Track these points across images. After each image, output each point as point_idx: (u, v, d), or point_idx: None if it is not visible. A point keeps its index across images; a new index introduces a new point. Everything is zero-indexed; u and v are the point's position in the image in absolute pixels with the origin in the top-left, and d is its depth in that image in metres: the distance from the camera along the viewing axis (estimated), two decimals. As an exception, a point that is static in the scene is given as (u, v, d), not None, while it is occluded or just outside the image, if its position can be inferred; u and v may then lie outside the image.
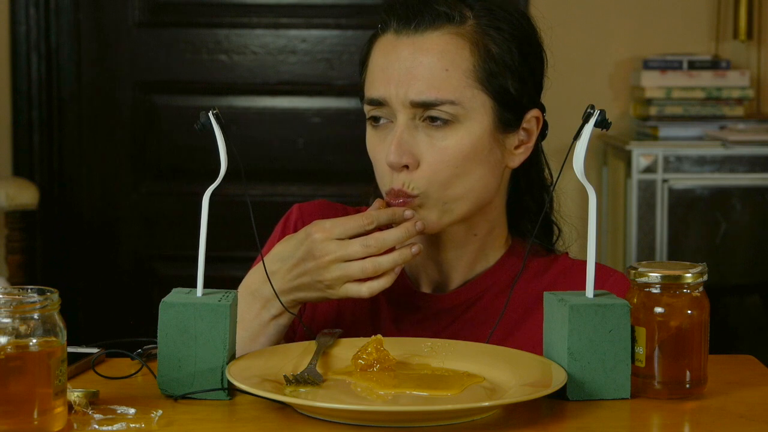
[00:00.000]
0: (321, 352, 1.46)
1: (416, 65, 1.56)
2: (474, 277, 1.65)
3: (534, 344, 1.52)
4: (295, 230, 1.71)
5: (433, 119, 1.56)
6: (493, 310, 1.62)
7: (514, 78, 1.58)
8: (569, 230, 1.77)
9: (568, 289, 1.55)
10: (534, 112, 1.62)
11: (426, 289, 1.67)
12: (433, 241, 1.64)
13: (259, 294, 1.57)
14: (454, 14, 1.57)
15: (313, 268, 1.52)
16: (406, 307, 1.65)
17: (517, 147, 1.62)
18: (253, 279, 1.59)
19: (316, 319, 1.68)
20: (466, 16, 1.58)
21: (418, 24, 1.57)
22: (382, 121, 1.59)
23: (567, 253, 1.71)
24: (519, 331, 1.60)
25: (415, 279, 1.68)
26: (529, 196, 1.68)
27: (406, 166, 1.56)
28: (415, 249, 1.53)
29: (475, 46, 1.57)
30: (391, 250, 1.53)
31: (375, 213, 1.55)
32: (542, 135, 1.67)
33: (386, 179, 1.59)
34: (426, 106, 1.55)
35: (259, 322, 1.56)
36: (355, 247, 1.51)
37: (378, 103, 1.58)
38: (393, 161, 1.56)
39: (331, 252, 1.51)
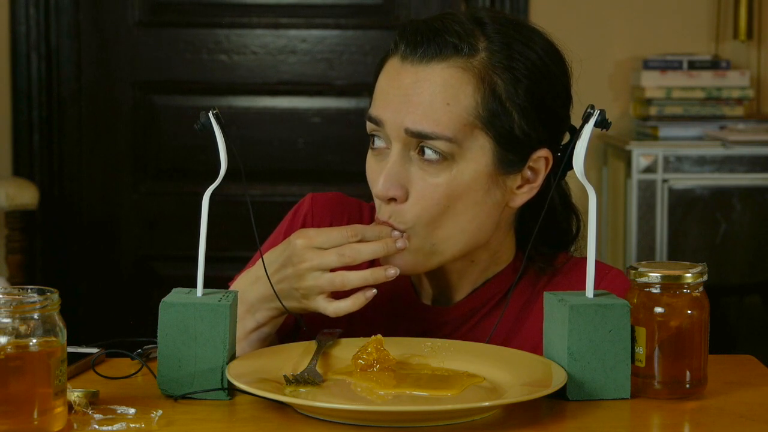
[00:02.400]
0: (321, 352, 1.46)
1: (416, 94, 1.50)
2: (473, 291, 1.62)
3: (534, 344, 1.52)
4: (303, 223, 1.69)
5: (426, 153, 1.50)
6: (491, 322, 1.60)
7: (522, 118, 1.51)
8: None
9: (567, 286, 1.55)
10: (542, 152, 1.54)
11: (426, 301, 1.65)
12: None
13: (245, 299, 1.53)
14: (464, 46, 1.50)
15: (292, 274, 1.49)
16: (405, 317, 1.64)
17: (520, 186, 1.55)
18: (241, 283, 1.56)
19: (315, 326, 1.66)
20: (477, 49, 1.51)
21: (424, 52, 1.51)
22: (377, 143, 1.54)
23: (569, 253, 1.65)
24: (520, 332, 1.59)
25: (417, 291, 1.65)
26: (534, 218, 1.58)
27: (395, 199, 1.51)
28: (391, 271, 1.48)
29: (481, 82, 1.50)
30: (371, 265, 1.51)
31: (361, 227, 1.51)
32: (563, 171, 1.58)
33: (377, 207, 1.55)
34: (421, 137, 1.49)
35: (242, 328, 1.53)
36: (331, 256, 1.48)
37: (375, 122, 1.53)
38: (380, 193, 1.51)
39: (308, 260, 1.48)
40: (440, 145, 1.49)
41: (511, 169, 1.53)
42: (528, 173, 1.55)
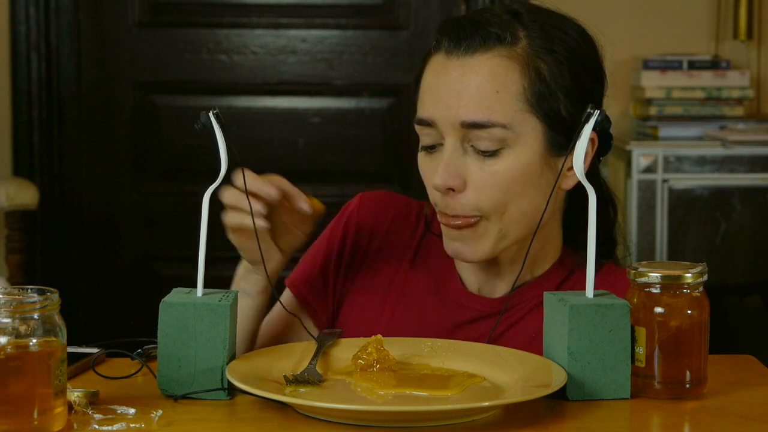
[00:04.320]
0: (321, 352, 1.46)
1: (466, 87, 1.54)
2: (519, 286, 1.63)
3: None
4: (347, 223, 1.73)
5: (481, 143, 1.54)
6: (535, 320, 1.60)
7: (566, 100, 1.56)
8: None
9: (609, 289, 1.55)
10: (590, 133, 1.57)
11: (472, 289, 1.67)
12: None
13: (240, 270, 1.63)
14: (506, 35, 1.55)
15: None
16: (454, 304, 1.65)
17: (570, 168, 1.58)
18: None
19: (364, 322, 1.69)
20: (518, 37, 1.56)
21: (468, 45, 1.55)
22: (428, 142, 1.58)
23: (613, 261, 1.68)
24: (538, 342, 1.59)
25: (464, 280, 1.67)
26: (582, 208, 1.63)
27: (453, 189, 1.55)
28: (261, 223, 1.51)
29: (526, 68, 1.54)
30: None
31: (285, 185, 1.56)
32: (604, 149, 1.64)
33: (437, 201, 1.58)
34: (476, 126, 1.53)
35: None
36: (226, 195, 1.54)
37: (426, 124, 1.57)
38: (438, 183, 1.55)
39: (224, 198, 1.54)
40: (496, 132, 1.53)
41: (561, 151, 1.57)
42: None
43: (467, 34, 1.56)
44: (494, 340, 1.59)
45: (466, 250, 1.58)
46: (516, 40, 1.56)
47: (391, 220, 1.72)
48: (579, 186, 1.59)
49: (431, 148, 1.58)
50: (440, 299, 1.66)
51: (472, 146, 1.55)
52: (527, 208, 1.56)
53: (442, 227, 1.60)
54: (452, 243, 1.59)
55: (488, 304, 1.64)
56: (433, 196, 1.58)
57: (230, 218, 1.53)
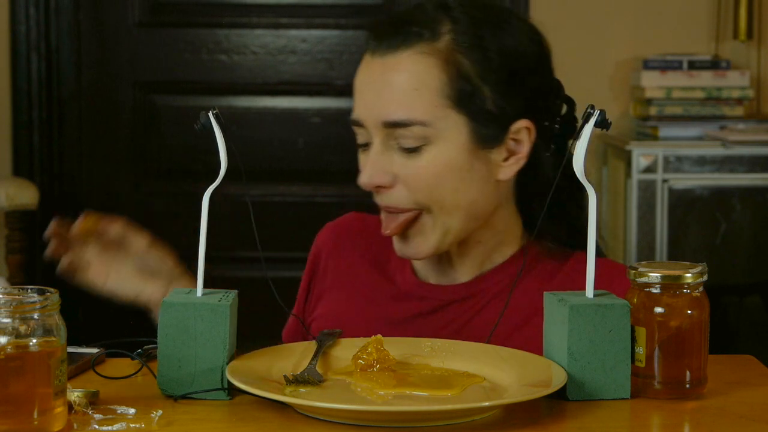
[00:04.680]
0: (321, 352, 1.46)
1: (386, 85, 1.55)
2: (481, 274, 1.65)
3: (536, 346, 1.52)
4: (316, 259, 1.75)
5: (404, 140, 1.55)
6: (500, 308, 1.62)
7: (495, 93, 1.56)
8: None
9: (577, 289, 1.55)
10: (522, 123, 1.58)
11: (434, 281, 1.68)
12: None
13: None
14: (425, 32, 1.55)
15: None
16: (408, 297, 1.66)
17: (506, 159, 1.59)
18: None
19: (317, 322, 1.69)
20: (441, 33, 1.55)
21: (388, 44, 1.56)
22: (362, 140, 1.60)
23: (584, 251, 1.68)
24: (522, 332, 1.60)
25: (424, 273, 1.68)
26: (537, 198, 1.64)
27: (383, 186, 1.56)
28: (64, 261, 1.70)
29: (447, 64, 1.54)
30: None
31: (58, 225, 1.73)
32: (569, 132, 1.63)
33: (375, 197, 1.60)
34: (397, 125, 1.54)
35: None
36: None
37: (356, 124, 1.59)
38: (364, 181, 1.57)
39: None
40: (416, 130, 1.54)
41: (492, 144, 1.57)
42: (511, 144, 1.59)
43: (388, 33, 1.56)
44: (459, 330, 1.60)
45: (409, 248, 1.59)
46: (438, 36, 1.55)
47: (366, 240, 1.73)
48: (529, 173, 1.61)
49: (365, 146, 1.60)
50: (395, 293, 1.67)
51: (397, 143, 1.56)
52: (461, 201, 1.57)
53: (383, 224, 1.61)
54: (397, 244, 1.61)
55: (450, 292, 1.65)
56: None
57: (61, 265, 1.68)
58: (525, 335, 1.58)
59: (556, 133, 1.64)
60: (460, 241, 1.63)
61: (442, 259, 1.66)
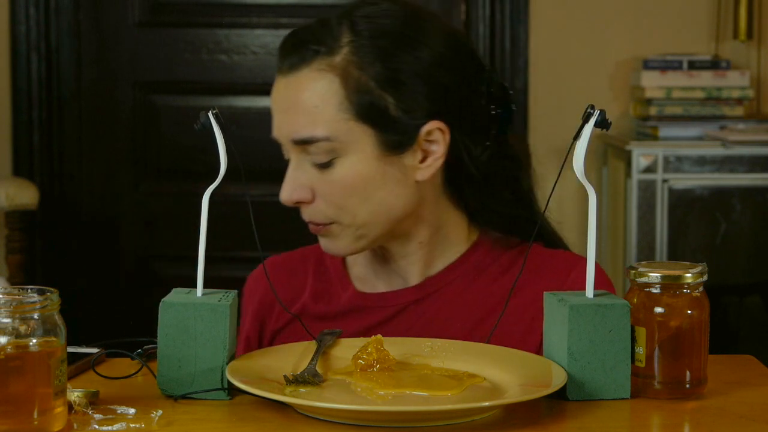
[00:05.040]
0: (321, 352, 1.46)
1: (291, 105, 1.57)
2: (436, 273, 1.66)
3: (504, 338, 1.54)
4: (243, 313, 1.73)
5: (314, 156, 1.57)
6: (461, 302, 1.64)
7: (398, 100, 1.56)
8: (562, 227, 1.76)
9: (542, 284, 1.56)
10: (432, 125, 1.58)
11: (386, 287, 1.68)
12: (380, 253, 1.67)
13: None
14: (322, 48, 1.56)
15: None
16: (361, 311, 1.66)
17: (422, 160, 1.60)
18: None
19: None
20: (339, 46, 1.56)
21: (290, 63, 1.58)
22: (286, 157, 1.62)
23: (540, 243, 1.69)
24: (490, 322, 1.60)
25: (372, 283, 1.69)
26: (471, 191, 1.65)
27: (303, 202, 1.59)
28: None
29: (345, 77, 1.55)
30: None
31: None
32: (506, 120, 1.64)
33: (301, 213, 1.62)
34: (304, 143, 1.56)
35: None
36: None
37: (277, 143, 1.61)
38: (283, 199, 1.60)
39: None
40: (323, 145, 1.56)
41: (402, 149, 1.58)
42: (425, 146, 1.60)
43: (289, 51, 1.58)
44: (420, 333, 1.61)
45: (331, 246, 1.62)
46: (335, 50, 1.56)
47: (286, 280, 1.72)
48: (458, 169, 1.62)
49: (288, 163, 1.62)
50: (345, 310, 1.67)
51: (310, 159, 1.58)
52: (378, 208, 1.58)
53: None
54: (321, 241, 1.64)
55: (402, 296, 1.66)
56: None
57: None
58: (488, 327, 1.59)
59: (492, 120, 1.64)
60: (401, 244, 1.64)
61: (387, 265, 1.67)
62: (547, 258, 1.66)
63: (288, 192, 1.59)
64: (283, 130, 1.58)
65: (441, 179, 1.64)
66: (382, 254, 1.67)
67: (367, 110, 1.55)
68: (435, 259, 1.66)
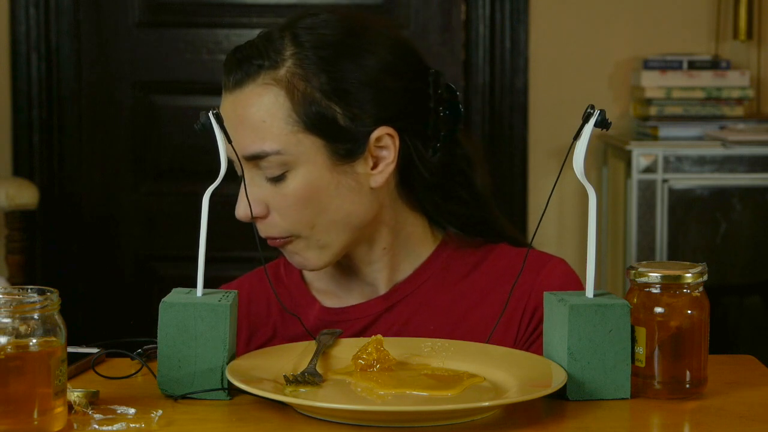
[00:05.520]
0: (321, 352, 1.46)
1: (239, 121, 1.56)
2: (404, 278, 1.66)
3: (481, 336, 1.54)
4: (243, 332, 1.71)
5: (266, 171, 1.56)
6: (432, 305, 1.64)
7: (344, 108, 1.56)
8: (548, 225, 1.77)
9: (521, 281, 1.57)
10: (381, 131, 1.58)
11: (356, 300, 1.67)
12: (346, 264, 1.66)
13: None
14: (264, 62, 1.56)
15: None
16: (333, 326, 1.65)
17: (374, 167, 1.60)
18: None
19: None
20: (282, 59, 1.56)
21: (235, 79, 1.57)
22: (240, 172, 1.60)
23: (506, 243, 1.70)
24: (465, 323, 1.60)
25: (339, 297, 1.68)
26: (425, 193, 1.66)
27: (259, 217, 1.58)
28: None
29: (291, 90, 1.55)
30: None
31: None
32: (455, 118, 1.64)
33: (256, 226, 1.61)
34: (255, 158, 1.56)
35: None
36: None
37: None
38: (239, 215, 1.58)
39: None
40: (273, 159, 1.56)
41: (353, 157, 1.58)
42: (376, 152, 1.60)
43: (233, 68, 1.58)
44: (401, 331, 1.61)
45: (298, 261, 1.62)
46: (279, 64, 1.56)
47: (251, 301, 1.71)
48: (411, 172, 1.63)
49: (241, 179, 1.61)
50: (318, 326, 1.65)
51: (263, 173, 1.57)
52: (335, 217, 1.58)
53: None
54: (288, 257, 1.63)
55: (372, 306, 1.65)
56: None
57: None
58: (471, 327, 1.59)
59: (441, 121, 1.64)
60: (365, 251, 1.64)
61: (354, 275, 1.67)
62: (515, 257, 1.66)
63: (243, 208, 1.57)
64: (235, 146, 1.55)
65: (395, 183, 1.64)
66: (347, 265, 1.66)
67: (314, 121, 1.55)
68: (401, 263, 1.66)
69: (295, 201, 1.56)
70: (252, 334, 1.68)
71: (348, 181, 1.58)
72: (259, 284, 1.71)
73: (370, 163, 1.59)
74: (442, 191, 1.66)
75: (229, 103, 1.58)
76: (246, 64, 1.57)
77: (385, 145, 1.59)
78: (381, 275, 1.66)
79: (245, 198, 1.56)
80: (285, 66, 1.56)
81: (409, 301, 1.65)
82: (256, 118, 1.55)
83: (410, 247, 1.67)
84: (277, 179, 1.56)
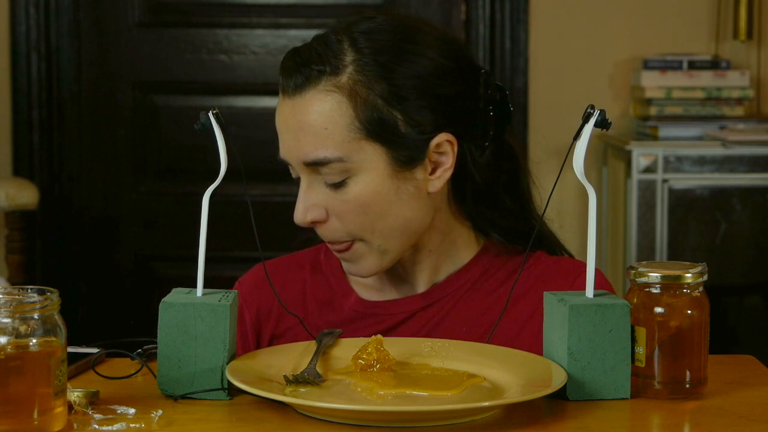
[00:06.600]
0: (321, 352, 1.46)
1: (299, 127, 1.56)
2: (444, 279, 1.66)
3: (509, 342, 1.54)
4: (248, 313, 1.71)
5: (326, 177, 1.56)
6: (467, 309, 1.64)
7: (405, 115, 1.56)
8: (563, 232, 1.76)
9: (548, 290, 1.56)
10: (441, 137, 1.58)
11: (393, 296, 1.68)
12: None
13: None
14: (327, 68, 1.55)
15: None
16: (364, 318, 1.65)
17: (432, 172, 1.60)
18: None
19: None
20: (344, 65, 1.55)
21: (295, 84, 1.56)
22: (294, 176, 1.61)
23: (544, 251, 1.70)
24: (498, 330, 1.60)
25: (378, 291, 1.68)
26: (474, 198, 1.66)
27: (318, 221, 1.58)
28: None
29: (353, 97, 1.54)
30: None
31: None
32: (504, 121, 1.64)
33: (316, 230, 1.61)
34: (316, 164, 1.56)
35: None
36: None
37: (285, 162, 1.61)
38: (298, 220, 1.58)
39: None
40: (335, 166, 1.55)
41: (413, 163, 1.58)
42: (435, 158, 1.59)
43: (293, 73, 1.57)
44: (433, 330, 1.61)
45: (355, 269, 1.62)
46: (340, 70, 1.55)
47: (283, 283, 1.71)
48: (464, 177, 1.63)
49: (298, 180, 1.61)
50: (349, 318, 1.66)
51: (323, 178, 1.57)
52: (395, 223, 1.58)
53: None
54: (344, 264, 1.64)
55: (408, 304, 1.66)
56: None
57: None
58: (502, 333, 1.59)
59: (491, 122, 1.64)
60: (412, 252, 1.64)
61: (396, 272, 1.67)
62: (551, 265, 1.66)
63: (302, 213, 1.58)
64: (293, 151, 1.58)
65: (448, 187, 1.64)
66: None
67: (376, 128, 1.55)
68: (442, 265, 1.67)
69: (356, 207, 1.56)
70: (280, 319, 1.68)
71: (408, 187, 1.58)
72: (297, 271, 1.71)
73: (429, 169, 1.59)
74: (489, 199, 1.65)
75: (289, 108, 1.58)
76: (306, 69, 1.56)
77: (444, 151, 1.59)
78: (422, 275, 1.66)
79: (303, 202, 1.57)
80: (346, 72, 1.55)
81: (445, 303, 1.65)
82: (318, 124, 1.55)
83: (453, 251, 1.67)
84: (338, 185, 1.56)
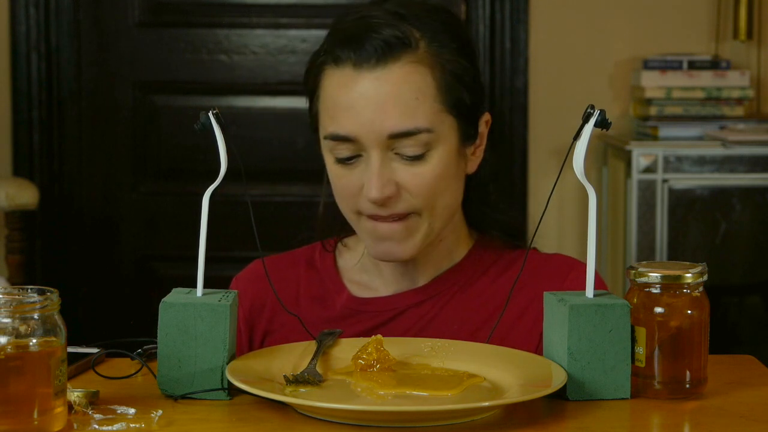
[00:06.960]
0: (321, 352, 1.46)
1: (386, 99, 1.55)
2: (440, 274, 1.67)
3: (506, 340, 1.54)
4: (242, 308, 1.71)
5: (407, 149, 1.56)
6: (459, 305, 1.65)
7: (467, 89, 1.60)
8: (550, 228, 1.78)
9: (541, 285, 1.57)
10: (485, 116, 1.65)
11: (389, 291, 1.68)
12: None
13: None
14: (407, 40, 1.56)
15: None
16: (357, 316, 1.65)
17: (473, 153, 1.64)
18: None
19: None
20: (416, 39, 1.57)
21: (378, 57, 1.55)
22: (344, 155, 1.58)
23: (535, 248, 1.70)
24: (488, 326, 1.61)
25: (373, 288, 1.68)
26: (477, 192, 1.69)
27: (390, 197, 1.57)
28: None
29: (433, 69, 1.57)
30: None
31: None
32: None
33: (365, 207, 1.59)
34: (403, 136, 1.55)
35: None
36: None
37: (345, 139, 1.57)
38: (376, 197, 1.56)
39: None
40: (422, 137, 1.56)
41: (471, 140, 1.63)
42: (479, 137, 1.65)
43: (372, 45, 1.56)
44: (425, 327, 1.62)
45: (396, 249, 1.60)
46: (417, 42, 1.57)
47: (280, 279, 1.71)
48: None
49: (348, 160, 1.59)
50: (343, 314, 1.66)
51: (396, 153, 1.57)
52: (449, 200, 1.61)
53: (368, 230, 1.60)
54: (382, 244, 1.61)
55: (405, 298, 1.66)
56: (355, 204, 1.59)
57: None
58: (485, 331, 1.59)
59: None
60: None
61: (400, 266, 1.67)
62: (544, 261, 1.67)
63: (379, 188, 1.56)
64: (374, 124, 1.55)
65: None
66: None
67: (455, 101, 1.58)
68: (443, 259, 1.67)
69: (430, 180, 1.57)
70: (274, 315, 1.68)
71: (462, 164, 1.63)
72: (291, 269, 1.72)
73: (473, 149, 1.64)
74: (482, 192, 1.69)
75: (371, 81, 1.56)
76: (388, 42, 1.55)
77: (483, 131, 1.65)
78: (426, 268, 1.67)
79: (378, 178, 1.56)
80: (421, 47, 1.58)
81: (438, 300, 1.66)
82: (409, 95, 1.56)
83: (451, 245, 1.68)
84: (417, 158, 1.57)
